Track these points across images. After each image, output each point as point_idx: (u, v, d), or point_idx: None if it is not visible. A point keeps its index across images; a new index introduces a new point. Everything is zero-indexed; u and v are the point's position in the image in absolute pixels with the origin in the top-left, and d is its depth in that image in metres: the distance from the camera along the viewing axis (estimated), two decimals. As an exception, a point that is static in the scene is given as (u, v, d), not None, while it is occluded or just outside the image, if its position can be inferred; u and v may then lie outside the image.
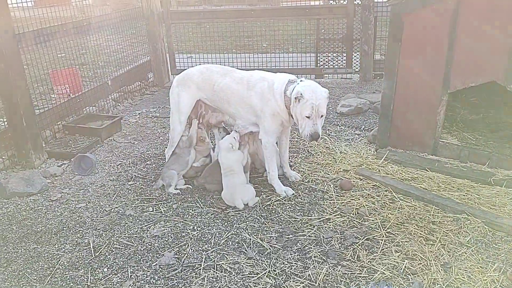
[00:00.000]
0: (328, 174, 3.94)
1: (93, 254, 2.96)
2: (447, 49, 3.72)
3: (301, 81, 3.39)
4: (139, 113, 5.88)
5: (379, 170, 3.96)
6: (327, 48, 7.07)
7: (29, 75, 4.47)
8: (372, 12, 6.29)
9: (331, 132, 4.91)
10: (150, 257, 2.91)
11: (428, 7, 3.69)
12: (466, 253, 2.82)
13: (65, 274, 2.78)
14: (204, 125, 3.94)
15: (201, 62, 7.22)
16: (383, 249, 2.90)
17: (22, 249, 3.05)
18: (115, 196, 3.72)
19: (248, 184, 3.63)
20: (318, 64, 7.09)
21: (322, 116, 3.28)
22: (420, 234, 3.04)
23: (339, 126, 5.08)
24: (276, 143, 3.75)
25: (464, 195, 3.47)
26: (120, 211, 3.48)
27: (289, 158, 4.06)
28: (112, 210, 3.50)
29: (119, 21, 6.40)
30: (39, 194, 3.78)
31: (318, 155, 4.34)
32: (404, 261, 2.77)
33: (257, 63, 7.34)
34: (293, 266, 2.78)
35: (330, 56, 7.07)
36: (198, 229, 3.20)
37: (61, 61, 6.01)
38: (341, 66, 6.98)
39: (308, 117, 3.23)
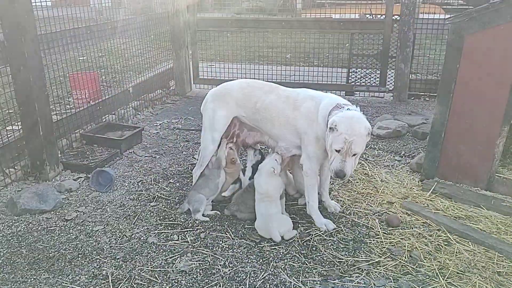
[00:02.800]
0: (371, 206, 3.55)
1: (111, 290, 2.59)
2: (513, 75, 3.33)
3: (348, 109, 2.96)
4: (160, 124, 5.53)
5: (427, 204, 3.56)
6: (359, 64, 6.70)
7: (48, 77, 4.14)
8: (411, 29, 5.91)
9: (368, 157, 4.52)
10: (177, 298, 2.54)
11: (495, 28, 3.31)
12: (545, 316, 2.42)
13: (80, 314, 2.42)
14: (238, 145, 3.57)
15: (222, 72, 6.91)
16: (446, 305, 2.50)
17: (32, 278, 2.69)
18: (136, 219, 3.36)
19: (284, 214, 3.26)
20: (349, 80, 6.71)
21: (354, 154, 2.85)
22: (487, 287, 2.63)
23: (377, 150, 4.69)
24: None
25: (529, 241, 3.07)
26: (142, 238, 3.11)
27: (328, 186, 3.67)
28: (133, 236, 3.13)
29: (144, 26, 6.09)
30: (52, 212, 3.43)
31: (357, 182, 3.96)
32: (475, 323, 2.37)
33: (282, 76, 6.98)
34: (344, 320, 2.39)
35: (362, 73, 6.70)
36: (230, 265, 2.82)
37: (80, 64, 5.73)
38: (373, 84, 6.60)
39: (338, 151, 2.83)
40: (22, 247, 3.00)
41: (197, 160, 3.68)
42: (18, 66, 3.60)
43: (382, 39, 6.32)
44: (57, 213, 3.42)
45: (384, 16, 6.25)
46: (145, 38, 6.35)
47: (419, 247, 3.02)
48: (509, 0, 3.23)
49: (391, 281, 2.70)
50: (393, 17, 6.11)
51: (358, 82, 6.68)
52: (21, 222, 3.30)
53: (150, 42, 6.65)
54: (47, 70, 4.12)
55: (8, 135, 3.84)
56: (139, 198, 3.67)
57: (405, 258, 2.91)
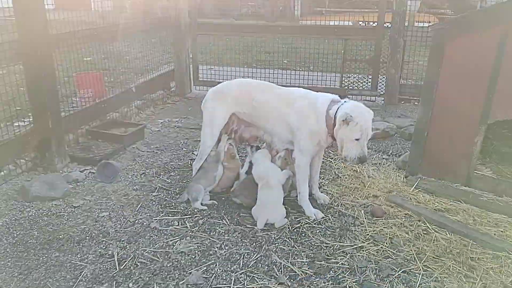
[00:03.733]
0: (358, 199, 3.81)
1: (117, 267, 2.84)
2: (489, 78, 3.61)
3: (345, 101, 3.29)
4: (161, 122, 5.80)
5: (410, 198, 3.83)
6: (352, 69, 6.99)
7: (57, 76, 4.40)
8: (402, 35, 6.22)
9: (358, 155, 4.78)
10: (177, 274, 2.79)
11: (473, 34, 3.60)
12: (510, 295, 2.68)
13: (89, 287, 2.66)
14: (236, 140, 3.84)
15: (221, 75, 7.18)
16: (421, 284, 2.76)
17: (44, 257, 2.94)
18: (139, 206, 3.61)
19: (281, 205, 3.48)
20: (342, 85, 7.00)
21: (368, 138, 3.20)
22: (459, 270, 2.89)
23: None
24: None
25: (502, 232, 3.33)
26: (145, 223, 3.37)
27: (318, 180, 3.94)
28: (136, 222, 3.39)
29: (146, 29, 6.37)
30: (61, 199, 3.68)
31: (346, 178, 4.22)
32: (446, 299, 2.63)
33: (278, 79, 7.26)
34: (328, 295, 2.65)
35: (355, 78, 7.00)
36: (226, 247, 3.08)
37: (85, 65, 5.99)
38: (365, 88, 6.89)
39: (357, 140, 3.13)
40: (34, 230, 3.25)
41: (197, 154, 3.95)
42: (31, 63, 3.86)
43: (374, 45, 6.62)
44: (66, 201, 3.67)
45: (376, 23, 6.55)
46: (148, 41, 6.63)
47: (400, 235, 3.28)
48: (485, 10, 3.52)
49: (373, 263, 2.95)
50: (384, 25, 6.42)
51: (351, 86, 6.97)
52: (32, 208, 3.54)
53: (152, 45, 6.93)
54: (56, 69, 4.38)
55: (15, 130, 4.09)
56: (142, 189, 3.92)
57: (387, 244, 3.17)
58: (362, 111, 3.18)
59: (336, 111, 3.21)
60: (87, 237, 3.18)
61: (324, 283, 2.75)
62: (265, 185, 3.41)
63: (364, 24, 7.03)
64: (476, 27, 3.59)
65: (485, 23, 3.55)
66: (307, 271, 2.85)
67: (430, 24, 3.78)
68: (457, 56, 3.74)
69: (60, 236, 3.18)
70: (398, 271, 2.87)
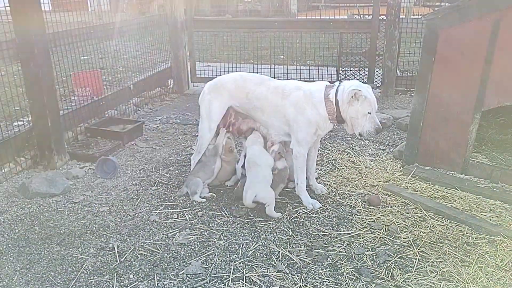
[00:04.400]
0: (355, 189, 3.86)
1: (118, 260, 2.88)
2: (483, 67, 3.65)
3: (339, 84, 3.39)
4: (159, 119, 5.84)
5: (407, 186, 3.87)
6: (348, 62, 7.03)
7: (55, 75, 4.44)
8: (397, 27, 6.24)
9: (355, 146, 4.83)
10: (176, 265, 2.83)
11: (466, 23, 3.63)
12: (505, 277, 2.72)
13: (90, 279, 2.71)
14: (234, 132, 3.88)
15: (219, 71, 7.22)
16: (417, 269, 2.80)
17: (45, 251, 2.99)
18: (138, 201, 3.65)
19: (269, 186, 3.46)
20: (339, 78, 7.03)
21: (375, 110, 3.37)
22: (455, 255, 2.94)
23: (363, 141, 5.00)
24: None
25: (497, 217, 3.37)
26: (144, 217, 3.41)
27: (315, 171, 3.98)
28: (136, 215, 3.43)
29: (142, 27, 6.40)
30: (61, 196, 3.72)
31: (343, 168, 4.27)
32: (441, 282, 2.66)
33: (275, 74, 7.30)
34: (325, 282, 2.68)
35: (351, 71, 7.03)
36: (225, 238, 3.12)
37: (82, 64, 6.02)
38: (362, 81, 6.90)
39: (369, 113, 3.27)
40: (35, 225, 3.29)
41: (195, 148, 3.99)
42: (29, 62, 3.90)
43: (369, 38, 6.65)
44: (66, 197, 3.72)
45: (371, 16, 6.58)
46: (145, 39, 6.66)
47: (397, 222, 3.33)
48: (477, -2, 3.56)
49: (369, 250, 3.00)
50: (379, 17, 6.45)
51: (347, 79, 6.99)
52: (33, 204, 3.59)
53: (149, 43, 6.96)
54: (54, 68, 4.41)
55: (15, 130, 4.13)
56: (141, 183, 3.96)
57: (383, 231, 3.22)
58: (364, 85, 3.32)
59: (336, 94, 3.30)
60: (87, 231, 3.22)
61: (322, 270, 2.79)
62: (253, 165, 3.46)
63: (359, 17, 7.04)
64: (469, 16, 3.62)
65: (477, 12, 3.58)
66: (305, 259, 2.89)
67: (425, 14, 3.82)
68: (450, 45, 3.78)
69: (61, 231, 3.22)
70: (395, 257, 2.91)
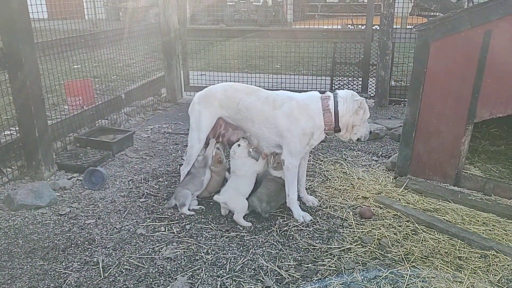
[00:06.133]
0: (347, 201, 3.80)
1: (102, 275, 2.81)
2: (474, 78, 3.62)
3: (334, 94, 3.44)
4: (151, 129, 5.78)
5: (399, 199, 3.82)
6: (342, 72, 7.01)
7: (44, 85, 4.39)
8: (390, 38, 6.23)
9: (347, 157, 4.78)
10: (162, 280, 2.76)
11: (457, 34, 3.61)
12: (497, 293, 2.66)
13: (72, 295, 2.63)
14: (224, 143, 3.82)
15: (213, 80, 7.19)
16: (408, 285, 2.74)
17: (28, 265, 2.91)
18: (125, 213, 3.58)
19: (243, 197, 3.48)
20: (333, 88, 7.01)
21: None
22: (447, 270, 2.88)
23: (356, 151, 4.96)
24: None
25: (490, 230, 3.32)
26: (131, 230, 3.34)
27: (306, 182, 3.93)
28: (122, 228, 3.36)
29: (136, 36, 6.37)
30: (47, 208, 3.65)
31: (335, 180, 4.21)
32: (433, 299, 2.60)
33: (270, 84, 7.28)
34: (314, 298, 2.62)
35: (345, 80, 7.01)
36: (213, 252, 3.05)
37: (75, 73, 5.96)
38: (356, 91, 6.89)
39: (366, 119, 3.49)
40: (19, 238, 3.21)
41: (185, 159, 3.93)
42: (16, 71, 3.84)
43: (363, 48, 6.64)
44: (52, 209, 3.64)
45: (364, 26, 6.58)
46: (138, 47, 6.62)
47: (388, 235, 3.27)
48: (468, 9, 3.54)
49: (360, 265, 2.93)
50: (373, 27, 6.44)
51: (340, 89, 6.96)
52: (18, 216, 3.51)
53: (143, 52, 6.92)
54: (43, 78, 4.36)
55: (1, 140, 4.05)
56: (129, 195, 3.89)
57: (375, 245, 3.16)
58: (357, 94, 3.48)
59: (336, 105, 3.35)
60: (72, 245, 3.14)
61: (311, 286, 2.72)
62: (233, 174, 3.58)
63: (353, 27, 7.03)
64: (460, 27, 3.60)
65: (469, 23, 3.55)
66: (294, 274, 2.83)
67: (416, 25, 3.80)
68: (442, 56, 3.75)
69: (45, 244, 3.15)
70: (386, 272, 2.84)
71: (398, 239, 3.24)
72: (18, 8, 3.75)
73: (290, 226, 3.38)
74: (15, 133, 4.21)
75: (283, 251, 3.08)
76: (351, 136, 3.51)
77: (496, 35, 3.46)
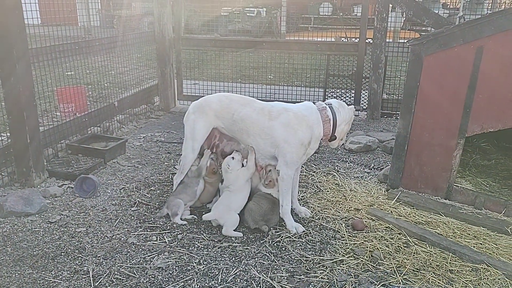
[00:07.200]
0: (339, 212, 3.81)
1: (92, 284, 2.77)
2: (466, 93, 3.67)
3: (329, 104, 3.58)
4: (143, 137, 5.75)
5: (391, 211, 3.83)
6: (335, 84, 7.07)
7: (36, 91, 4.35)
8: (383, 51, 6.31)
9: (340, 169, 4.80)
10: (153, 291, 2.73)
11: (450, 50, 3.67)
12: (488, 307, 2.67)
13: (61, 305, 2.59)
14: (219, 154, 3.82)
15: (206, 90, 7.21)
16: (400, 297, 2.74)
17: (17, 274, 2.86)
18: (117, 222, 3.55)
19: (234, 212, 3.46)
20: (326, 99, 7.05)
21: None
22: (439, 283, 2.89)
23: (348, 163, 4.98)
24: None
25: (481, 244, 3.34)
26: (122, 239, 3.30)
27: (298, 193, 3.93)
28: (113, 237, 3.32)
29: (130, 44, 6.37)
30: (37, 215, 3.60)
31: (328, 191, 4.22)
32: (424, 312, 2.61)
33: (263, 94, 7.32)
34: (306, 310, 2.61)
35: (338, 92, 7.07)
36: (205, 263, 3.03)
37: (67, 79, 5.94)
38: (348, 103, 6.94)
39: None
40: (8, 246, 3.16)
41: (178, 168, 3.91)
42: (9, 76, 3.81)
43: (356, 60, 6.71)
44: (42, 216, 3.59)
45: (358, 39, 6.66)
46: (132, 55, 6.62)
47: (380, 248, 3.27)
48: (460, 26, 3.60)
49: (352, 277, 2.93)
50: (366, 40, 6.52)
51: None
52: (7, 223, 3.45)
53: (137, 59, 6.92)
54: (36, 84, 4.33)
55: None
56: (121, 204, 3.86)
57: (367, 257, 3.16)
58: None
59: (334, 115, 3.50)
60: (62, 253, 3.10)
61: (303, 297, 2.71)
62: (226, 189, 3.57)
63: (346, 40, 7.12)
64: (453, 43, 3.66)
65: (461, 38, 3.62)
66: (286, 286, 2.82)
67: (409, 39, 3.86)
68: (434, 71, 3.80)
69: (35, 253, 3.10)
70: (378, 285, 2.85)
71: (390, 251, 3.24)
72: (12, 14, 3.73)
73: (282, 237, 3.37)
74: (6, 139, 4.17)
75: (275, 262, 3.07)
76: (340, 143, 3.70)
77: (487, 51, 3.52)
